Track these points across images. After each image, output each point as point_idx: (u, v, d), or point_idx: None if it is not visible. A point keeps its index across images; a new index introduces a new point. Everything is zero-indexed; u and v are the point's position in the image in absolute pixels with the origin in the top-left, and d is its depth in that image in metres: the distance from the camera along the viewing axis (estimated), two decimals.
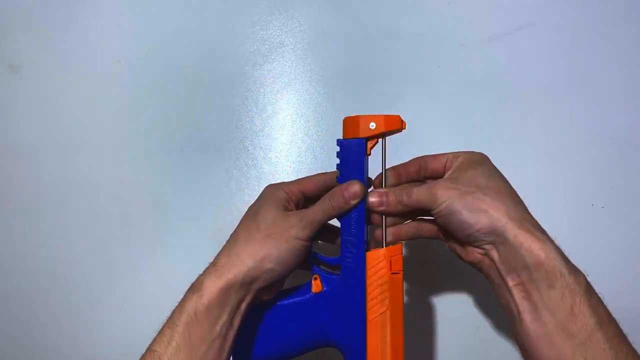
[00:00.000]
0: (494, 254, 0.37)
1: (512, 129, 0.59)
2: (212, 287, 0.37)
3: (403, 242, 0.43)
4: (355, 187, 0.40)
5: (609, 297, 0.35)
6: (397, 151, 0.58)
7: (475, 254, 0.39)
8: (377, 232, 0.43)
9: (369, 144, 0.42)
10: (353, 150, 0.42)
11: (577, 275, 0.34)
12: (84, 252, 0.60)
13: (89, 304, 0.59)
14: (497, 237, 0.36)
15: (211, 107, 0.62)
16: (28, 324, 0.59)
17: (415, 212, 0.43)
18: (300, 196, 0.44)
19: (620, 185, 0.57)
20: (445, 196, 0.38)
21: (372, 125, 0.41)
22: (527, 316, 0.34)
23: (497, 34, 0.60)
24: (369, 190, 0.43)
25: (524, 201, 0.39)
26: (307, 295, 0.42)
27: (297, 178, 0.46)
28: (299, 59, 0.62)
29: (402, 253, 0.41)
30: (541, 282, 0.34)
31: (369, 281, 0.40)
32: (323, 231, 0.45)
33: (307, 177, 0.45)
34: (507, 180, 0.39)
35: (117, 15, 0.64)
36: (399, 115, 0.41)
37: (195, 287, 0.38)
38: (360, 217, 0.41)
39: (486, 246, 0.37)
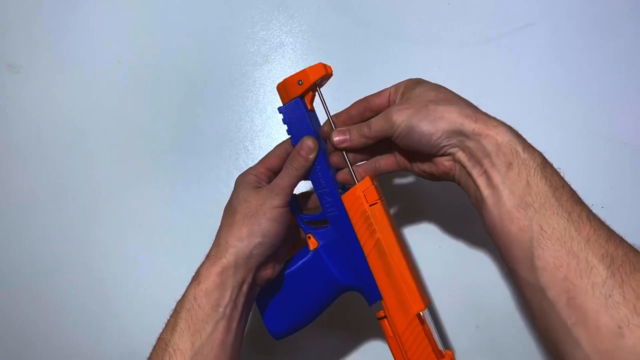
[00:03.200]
0: (460, 155, 0.38)
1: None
2: (208, 273, 0.39)
3: (372, 175, 0.44)
4: (308, 142, 0.43)
5: None
6: None
7: (444, 162, 0.40)
8: (342, 175, 0.45)
9: (307, 100, 0.44)
10: (292, 111, 0.44)
11: (532, 152, 0.36)
12: (83, 252, 0.60)
13: (88, 304, 0.59)
14: (459, 137, 0.37)
15: (211, 107, 0.62)
16: (27, 323, 0.59)
17: (375, 149, 0.45)
18: (268, 173, 0.46)
19: (620, 185, 0.57)
20: (400, 117, 0.39)
21: (300, 82, 0.43)
22: (490, 200, 0.36)
23: (497, 34, 0.60)
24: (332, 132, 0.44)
25: None
26: (309, 255, 0.45)
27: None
28: (299, 59, 0.62)
29: (373, 184, 0.42)
30: (501, 165, 0.35)
31: (353, 220, 0.42)
32: (297, 200, 0.47)
33: (268, 153, 0.47)
34: (451, 90, 0.41)
35: (116, 15, 0.64)
36: (320, 63, 0.43)
37: (193, 278, 0.40)
38: (323, 167, 0.43)
39: (451, 150, 0.38)
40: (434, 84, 0.42)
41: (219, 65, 0.62)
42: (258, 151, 0.60)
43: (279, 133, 0.61)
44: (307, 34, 0.62)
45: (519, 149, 0.35)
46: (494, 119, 0.38)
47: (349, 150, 0.43)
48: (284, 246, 0.45)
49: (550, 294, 0.32)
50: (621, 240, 0.32)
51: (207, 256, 0.41)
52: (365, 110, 0.45)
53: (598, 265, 0.31)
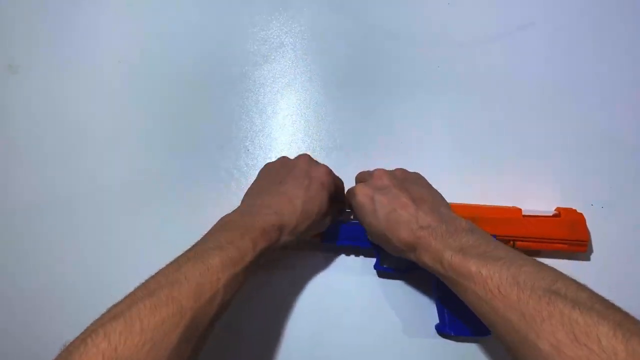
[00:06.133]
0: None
1: (512, 129, 0.59)
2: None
3: None
4: None
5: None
6: (398, 151, 0.58)
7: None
8: None
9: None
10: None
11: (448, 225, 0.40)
12: (83, 252, 0.60)
13: (87, 305, 0.59)
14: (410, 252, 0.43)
15: (211, 107, 0.62)
16: (30, 328, 0.59)
17: None
18: None
19: (620, 185, 0.57)
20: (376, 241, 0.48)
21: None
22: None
23: (497, 33, 0.60)
24: None
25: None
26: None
27: None
28: (299, 59, 0.62)
29: None
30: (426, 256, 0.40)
31: None
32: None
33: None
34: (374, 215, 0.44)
35: (117, 15, 0.64)
36: None
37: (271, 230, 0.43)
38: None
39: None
40: (368, 215, 0.45)
41: (219, 65, 0.62)
42: (258, 151, 0.60)
43: (279, 133, 0.61)
44: (307, 34, 0.62)
45: (432, 240, 0.40)
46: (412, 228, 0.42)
47: None
48: None
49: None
50: None
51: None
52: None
53: None
